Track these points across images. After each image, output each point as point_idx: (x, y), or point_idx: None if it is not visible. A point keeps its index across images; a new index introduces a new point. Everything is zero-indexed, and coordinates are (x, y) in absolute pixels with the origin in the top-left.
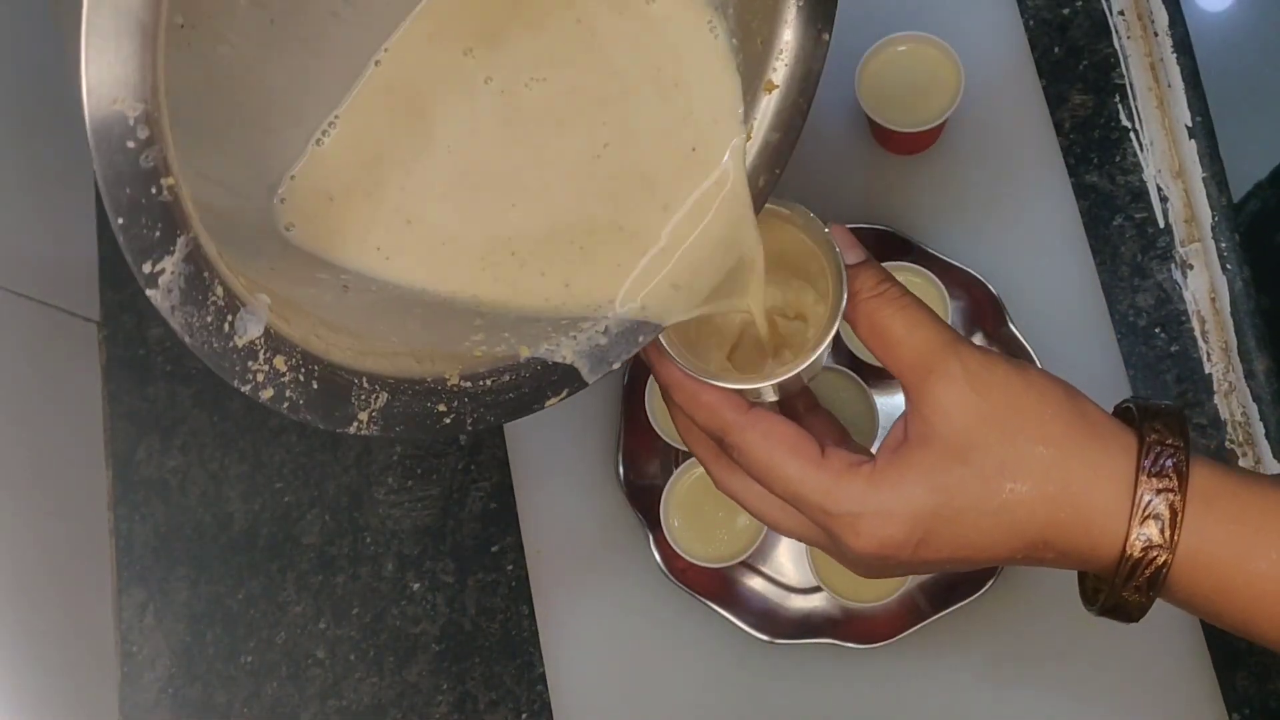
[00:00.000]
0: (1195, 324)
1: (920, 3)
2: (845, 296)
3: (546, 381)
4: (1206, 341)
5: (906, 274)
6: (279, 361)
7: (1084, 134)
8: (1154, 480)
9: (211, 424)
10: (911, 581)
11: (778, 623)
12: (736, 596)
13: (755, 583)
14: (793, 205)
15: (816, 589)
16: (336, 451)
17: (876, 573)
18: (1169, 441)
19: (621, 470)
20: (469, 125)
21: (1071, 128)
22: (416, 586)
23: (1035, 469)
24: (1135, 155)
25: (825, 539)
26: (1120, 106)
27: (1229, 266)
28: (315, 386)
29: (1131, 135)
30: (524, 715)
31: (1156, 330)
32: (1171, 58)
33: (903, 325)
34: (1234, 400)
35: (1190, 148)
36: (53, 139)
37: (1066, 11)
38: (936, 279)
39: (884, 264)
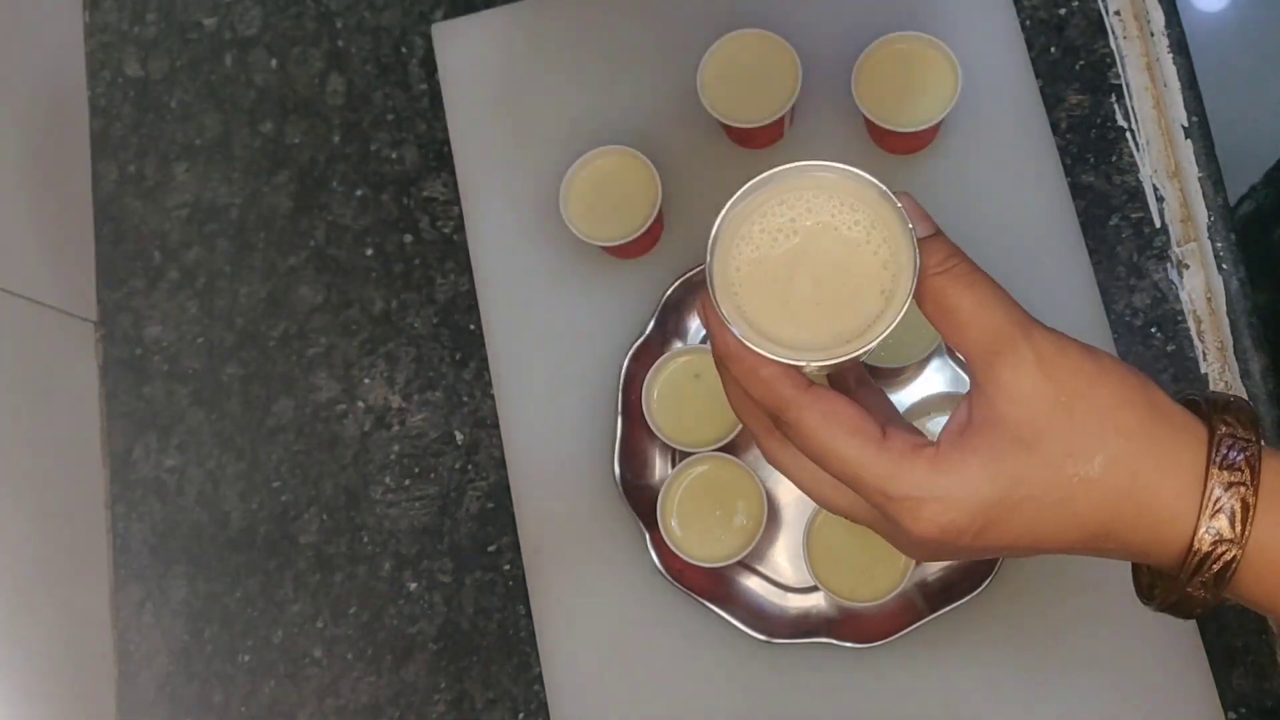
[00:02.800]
0: (1191, 323)
1: (917, 3)
2: (916, 272)
3: None
4: (1203, 341)
5: None
6: None
7: (1080, 134)
8: (1225, 473)
9: (209, 423)
10: (909, 580)
11: (774, 622)
12: (733, 596)
13: (752, 582)
14: (865, 175)
15: (813, 588)
16: (334, 451)
17: (932, 556)
18: (1240, 434)
19: (618, 470)
20: None
21: (1068, 127)
22: (414, 586)
23: (1104, 459)
24: (1131, 155)
25: (880, 520)
26: (1116, 106)
27: (1225, 266)
28: None
29: (1128, 135)
30: (521, 714)
31: (1153, 330)
32: (1168, 57)
33: (971, 303)
34: None
35: (1186, 148)
36: (50, 139)
37: (1063, 11)
38: None
39: None
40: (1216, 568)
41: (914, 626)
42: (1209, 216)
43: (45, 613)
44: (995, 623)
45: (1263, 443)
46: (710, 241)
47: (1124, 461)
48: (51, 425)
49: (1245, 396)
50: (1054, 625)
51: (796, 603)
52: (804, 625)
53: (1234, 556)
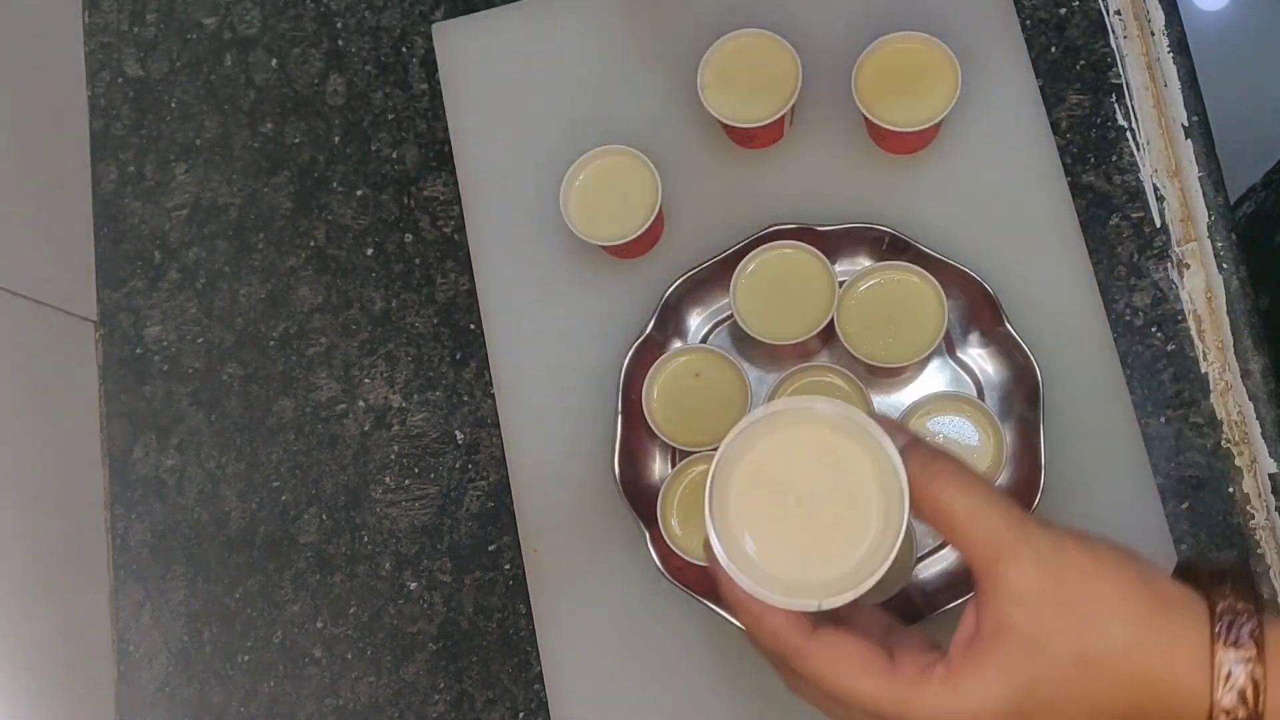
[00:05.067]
0: (1192, 323)
1: (917, 2)
2: (907, 506)
3: None
4: (1203, 340)
5: (903, 273)
6: None
7: (1081, 133)
8: (1231, 650)
9: (209, 423)
10: (908, 580)
11: None
12: None
13: None
14: (838, 405)
15: None
16: (334, 450)
17: None
18: (1240, 606)
19: (618, 469)
20: None
21: (1068, 127)
22: (414, 585)
23: (1114, 653)
24: (1132, 154)
25: None
26: (1117, 106)
27: (1225, 265)
28: None
29: (1128, 134)
30: (521, 714)
31: (1153, 329)
32: (1168, 57)
33: (966, 507)
34: (1230, 399)
35: (1187, 147)
36: (50, 139)
37: (1063, 11)
38: (933, 278)
39: (880, 264)
40: None
41: (911, 627)
42: (1209, 216)
43: (44, 613)
44: None
45: (1264, 613)
46: (708, 489)
47: (1135, 654)
48: (51, 425)
49: (1246, 396)
50: None
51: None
52: None
53: None
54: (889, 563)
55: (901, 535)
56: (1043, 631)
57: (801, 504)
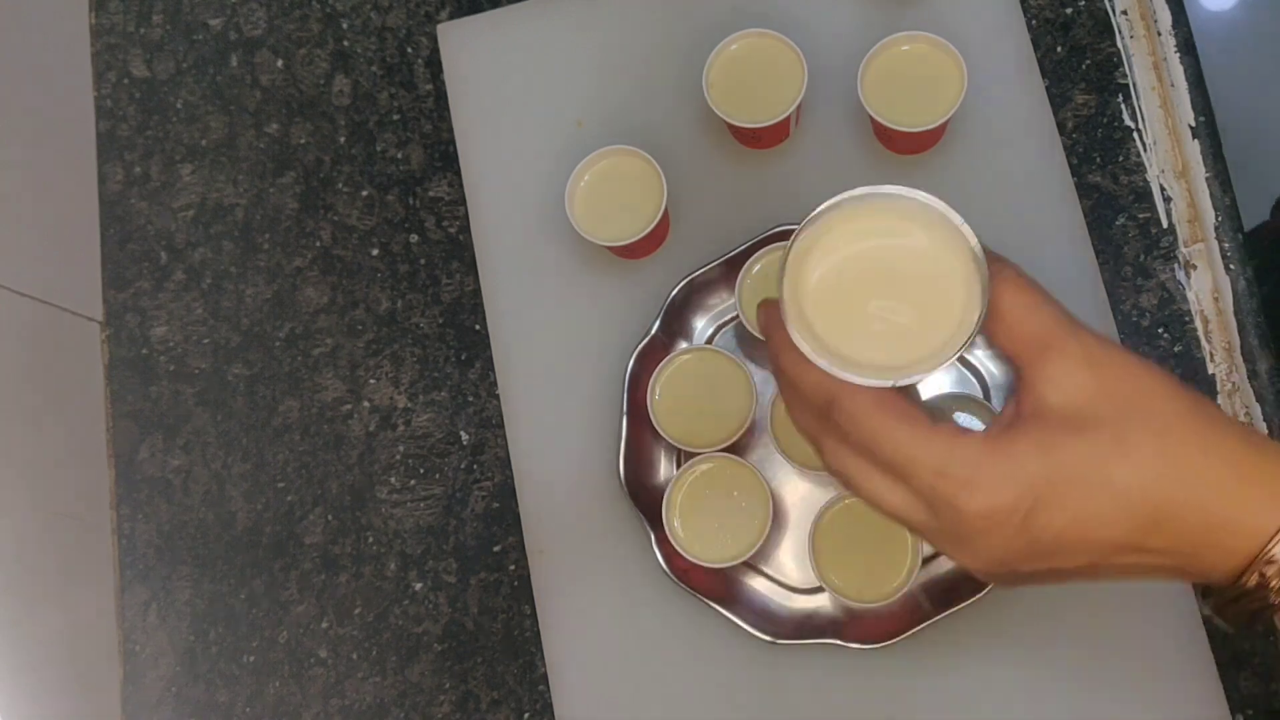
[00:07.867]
0: (1199, 324)
1: (922, 2)
2: (987, 288)
3: None
4: (1210, 342)
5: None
6: None
7: (1087, 134)
8: None
9: (214, 423)
10: (914, 581)
11: (780, 623)
12: (739, 597)
13: (757, 583)
14: (925, 196)
15: (819, 589)
16: (339, 451)
17: (981, 554)
18: None
19: (623, 470)
20: None
21: (1074, 127)
22: (419, 586)
23: (1149, 444)
24: (1138, 155)
25: (928, 514)
26: (1123, 106)
27: (1232, 266)
28: None
29: (1135, 135)
30: (526, 715)
31: (1160, 331)
32: (1175, 57)
33: (1023, 307)
34: (1237, 401)
35: (1194, 147)
36: (56, 139)
37: (1069, 11)
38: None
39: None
40: None
41: (920, 628)
42: (1216, 216)
43: (51, 613)
44: (1001, 624)
45: None
46: (781, 266)
47: (1173, 453)
48: (57, 425)
49: (1254, 397)
50: (1060, 627)
51: (802, 603)
52: (809, 626)
53: None
54: (950, 360)
55: (979, 321)
56: (1081, 415)
57: (874, 293)
